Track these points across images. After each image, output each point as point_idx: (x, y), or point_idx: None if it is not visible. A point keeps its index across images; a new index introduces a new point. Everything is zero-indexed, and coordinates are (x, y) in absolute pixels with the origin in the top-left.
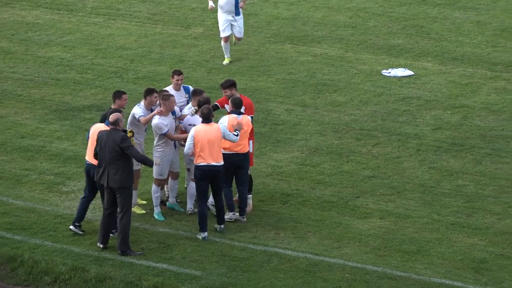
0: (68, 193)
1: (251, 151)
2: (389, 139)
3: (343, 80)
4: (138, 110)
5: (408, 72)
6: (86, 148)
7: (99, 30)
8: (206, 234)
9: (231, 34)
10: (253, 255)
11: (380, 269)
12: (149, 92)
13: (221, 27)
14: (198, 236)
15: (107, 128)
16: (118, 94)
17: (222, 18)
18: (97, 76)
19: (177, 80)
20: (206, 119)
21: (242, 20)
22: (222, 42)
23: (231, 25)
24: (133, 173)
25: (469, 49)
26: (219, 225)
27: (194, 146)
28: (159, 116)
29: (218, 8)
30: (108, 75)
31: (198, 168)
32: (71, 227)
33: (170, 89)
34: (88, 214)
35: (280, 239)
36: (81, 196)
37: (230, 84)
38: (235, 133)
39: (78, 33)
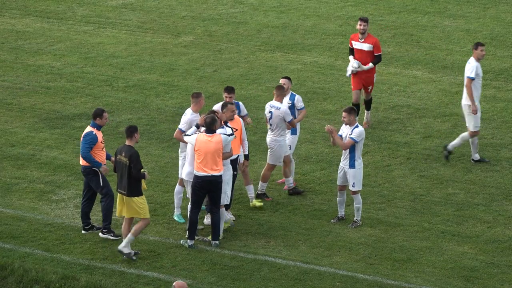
0: (58, 201)
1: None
2: (379, 148)
3: (333, 88)
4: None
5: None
6: (76, 157)
7: (89, 39)
8: (193, 242)
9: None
10: (243, 264)
11: (370, 278)
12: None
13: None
14: (183, 243)
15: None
16: (99, 111)
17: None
18: (87, 85)
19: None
20: (209, 130)
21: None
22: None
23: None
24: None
25: (459, 57)
26: (213, 241)
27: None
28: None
29: None
30: (98, 83)
31: (197, 177)
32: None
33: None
34: (78, 223)
35: (271, 248)
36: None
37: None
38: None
39: (68, 42)
